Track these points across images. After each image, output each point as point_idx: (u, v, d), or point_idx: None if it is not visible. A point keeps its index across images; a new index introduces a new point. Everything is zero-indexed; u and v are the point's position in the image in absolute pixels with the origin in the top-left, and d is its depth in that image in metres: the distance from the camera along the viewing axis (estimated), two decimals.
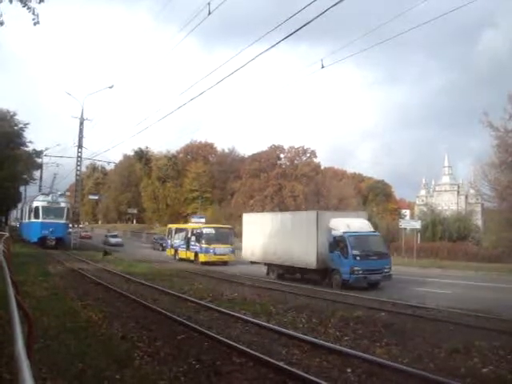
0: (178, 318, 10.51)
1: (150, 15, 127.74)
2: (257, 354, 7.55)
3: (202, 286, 17.65)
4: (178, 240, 35.94)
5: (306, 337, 8.97)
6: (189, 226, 37.61)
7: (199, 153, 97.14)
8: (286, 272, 22.66)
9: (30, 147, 48.27)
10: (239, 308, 12.36)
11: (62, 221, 37.12)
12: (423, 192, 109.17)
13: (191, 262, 32.24)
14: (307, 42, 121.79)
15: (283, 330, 9.64)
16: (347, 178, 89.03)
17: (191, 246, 33.17)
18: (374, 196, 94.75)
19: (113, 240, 53.77)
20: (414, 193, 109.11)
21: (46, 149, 49.32)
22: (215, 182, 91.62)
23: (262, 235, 23.68)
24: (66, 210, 37.61)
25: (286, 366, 6.95)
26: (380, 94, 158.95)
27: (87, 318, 10.25)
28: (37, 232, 36.22)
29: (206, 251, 31.37)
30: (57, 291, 13.91)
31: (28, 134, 47.52)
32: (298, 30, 9.85)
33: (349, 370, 6.95)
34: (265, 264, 24.25)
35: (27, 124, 46.09)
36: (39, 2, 8.45)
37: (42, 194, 38.45)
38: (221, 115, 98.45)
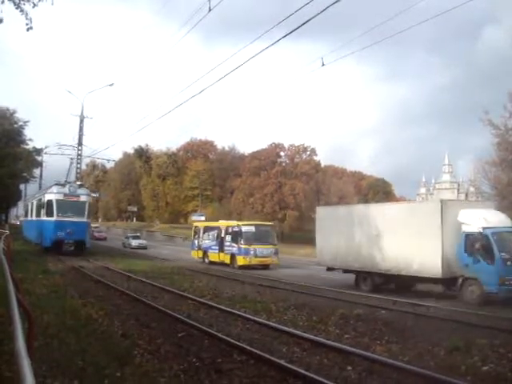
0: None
1: (150, 12, 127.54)
2: (257, 351, 7.56)
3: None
4: (207, 240, 30.86)
5: (306, 335, 8.97)
6: (221, 223, 32.42)
7: (199, 150, 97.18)
8: (386, 282, 18.05)
9: (30, 145, 48.34)
10: (240, 306, 12.35)
11: (83, 219, 29.01)
12: (423, 190, 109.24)
13: (225, 265, 27.35)
14: (308, 38, 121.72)
15: (283, 327, 9.64)
16: (347, 176, 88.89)
17: (226, 247, 28.38)
18: (374, 194, 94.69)
19: (134, 242, 46.41)
20: (414, 191, 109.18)
21: (46, 147, 49.23)
22: (215, 179, 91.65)
23: (348, 234, 19.07)
24: (87, 205, 29.47)
25: (286, 364, 6.95)
26: (380, 91, 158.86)
27: (87, 315, 10.23)
28: (50, 234, 27.89)
29: (246, 253, 26.69)
30: (57, 289, 13.90)
31: (28, 132, 47.59)
32: (298, 27, 9.83)
33: (349, 368, 6.95)
34: (345, 271, 19.75)
35: (27, 122, 46.18)
36: (33, 7, 8.43)
37: (57, 185, 29.36)
38: (221, 113, 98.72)
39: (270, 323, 10.12)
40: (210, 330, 9.10)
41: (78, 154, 40.11)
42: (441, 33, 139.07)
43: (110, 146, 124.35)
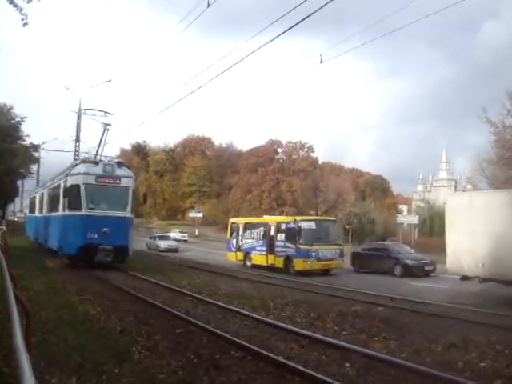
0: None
1: (148, 7, 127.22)
2: (255, 348, 7.57)
3: None
4: (250, 240, 25.86)
5: (304, 331, 8.99)
6: (270, 218, 27.59)
7: (197, 147, 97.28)
8: None
9: (27, 141, 48.17)
10: (237, 302, 12.36)
11: (126, 213, 19.73)
12: (420, 187, 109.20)
13: (275, 270, 22.86)
14: (306, 33, 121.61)
15: (281, 324, 9.65)
16: (345, 173, 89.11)
17: (278, 248, 23.36)
18: (372, 191, 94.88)
19: (163, 244, 38.88)
20: (412, 188, 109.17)
21: (44, 143, 49.03)
22: (213, 176, 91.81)
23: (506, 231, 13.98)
24: (130, 193, 20.07)
25: (284, 361, 6.96)
26: (379, 87, 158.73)
27: (85, 311, 10.24)
28: (76, 236, 18.75)
29: (306, 255, 21.65)
30: (55, 285, 13.89)
31: (25, 128, 47.40)
32: (298, 23, 9.81)
33: (347, 365, 6.97)
34: (507, 283, 14.57)
35: (24, 118, 45.95)
36: (28, 2, 8.38)
37: (85, 163, 20.41)
38: (218, 109, 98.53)
39: (268, 320, 10.13)
40: (208, 327, 9.10)
41: (76, 151, 40.05)
42: (440, 28, 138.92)
43: (107, 142, 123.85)
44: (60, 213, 20.62)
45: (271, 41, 11.70)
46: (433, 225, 47.08)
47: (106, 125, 21.55)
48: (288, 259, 22.50)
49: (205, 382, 6.13)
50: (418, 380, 6.35)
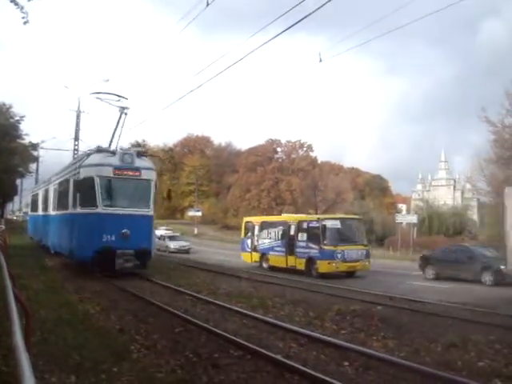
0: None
1: (147, 6, 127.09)
2: (254, 346, 7.58)
3: None
4: (267, 240, 24.39)
5: (303, 330, 9.00)
6: (290, 217, 25.96)
7: (196, 146, 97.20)
8: None
9: (26, 140, 48.08)
10: (236, 301, 12.37)
11: (148, 211, 17.15)
12: (419, 187, 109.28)
13: (295, 272, 21.51)
14: (305, 31, 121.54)
15: (280, 323, 9.65)
16: (344, 173, 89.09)
17: (299, 249, 21.88)
18: (371, 190, 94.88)
19: (173, 244, 36.74)
20: (411, 187, 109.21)
21: (42, 141, 48.91)
22: (212, 175, 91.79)
23: None
24: (152, 187, 17.29)
25: (283, 359, 6.97)
26: (378, 86, 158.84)
27: (84, 310, 10.25)
28: (90, 238, 16.11)
29: (331, 256, 20.28)
30: (54, 284, 13.90)
31: (24, 127, 47.32)
32: (297, 22, 9.80)
33: (346, 364, 6.98)
34: None
35: (23, 116, 45.84)
36: (28, 0, 8.36)
37: (99, 152, 17.35)
38: (218, 108, 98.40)
39: (267, 318, 10.13)
40: (207, 326, 9.10)
41: (75, 149, 40.07)
42: (440, 27, 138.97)
43: (107, 141, 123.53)
44: (70, 211, 17.61)
45: (272, 39, 11.66)
46: (432, 224, 47.13)
47: (123, 108, 18.14)
48: (310, 261, 21.06)
49: (203, 380, 6.14)
50: (416, 379, 6.36)
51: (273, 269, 23.14)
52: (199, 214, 71.74)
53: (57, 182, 21.42)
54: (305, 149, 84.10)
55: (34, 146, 48.48)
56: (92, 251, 15.70)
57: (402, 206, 74.12)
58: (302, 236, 21.92)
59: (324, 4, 9.24)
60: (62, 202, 19.66)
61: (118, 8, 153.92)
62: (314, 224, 21.58)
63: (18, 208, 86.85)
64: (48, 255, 22.02)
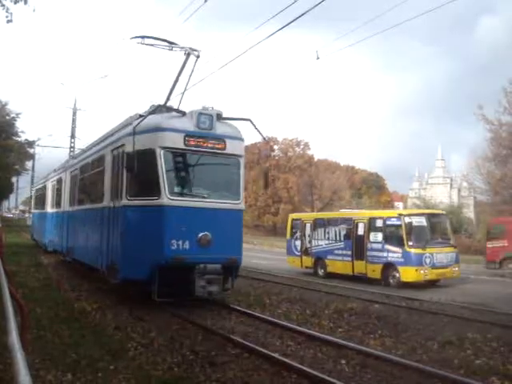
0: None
1: (145, 2, 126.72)
2: (252, 345, 7.56)
3: None
4: (324, 241, 20.27)
5: (300, 328, 8.98)
6: (354, 213, 20.97)
7: None
8: None
9: (22, 137, 47.94)
10: (234, 299, 12.34)
11: (237, 202, 10.83)
12: (416, 185, 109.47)
13: (365, 280, 17.65)
14: (302, 29, 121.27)
15: (278, 321, 9.63)
16: (340, 171, 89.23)
17: (371, 252, 17.72)
18: (367, 188, 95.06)
19: None
20: (407, 185, 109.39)
21: (39, 139, 48.78)
22: None
23: None
24: (242, 168, 11.02)
25: (280, 357, 6.96)
26: (375, 84, 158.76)
27: (80, 308, 10.19)
28: (150, 245, 9.91)
29: (419, 262, 16.33)
30: (50, 282, 13.84)
31: (20, 124, 47.19)
32: (295, 19, 9.75)
33: (343, 362, 6.97)
34: None
35: (19, 114, 45.72)
36: (15, 3, 8.40)
37: (162, 111, 10.88)
38: (215, 106, 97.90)
39: (264, 316, 10.10)
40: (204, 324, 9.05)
41: (71, 147, 39.96)
42: (437, 24, 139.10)
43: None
44: (106, 204, 11.70)
45: (269, 37, 11.56)
46: None
47: (193, 50, 11.59)
48: (388, 267, 17.07)
49: (200, 378, 6.11)
50: (413, 377, 6.36)
51: (332, 276, 19.12)
52: None
53: (79, 165, 16.07)
54: (301, 146, 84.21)
55: (30, 144, 48.39)
56: (150, 266, 9.80)
57: (399, 204, 74.35)
58: (376, 236, 17.78)
59: (319, 3, 9.18)
60: (89, 192, 14.52)
61: (114, 3, 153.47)
62: (394, 221, 17.52)
63: (14, 206, 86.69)
64: (43, 253, 21.86)
